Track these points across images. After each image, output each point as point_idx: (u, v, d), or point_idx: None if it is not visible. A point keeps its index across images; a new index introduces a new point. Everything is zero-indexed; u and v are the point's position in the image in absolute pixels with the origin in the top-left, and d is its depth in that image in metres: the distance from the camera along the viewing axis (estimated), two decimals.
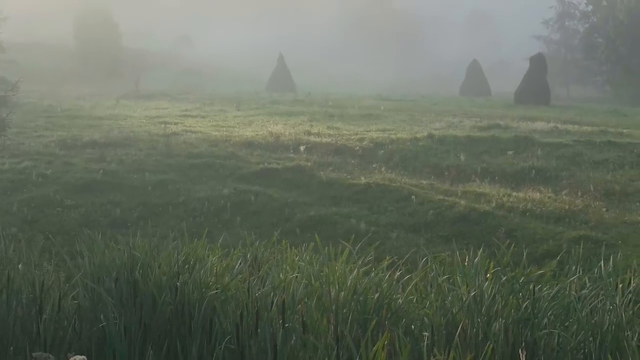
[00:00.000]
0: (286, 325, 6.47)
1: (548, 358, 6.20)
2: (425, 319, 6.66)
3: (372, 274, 7.08)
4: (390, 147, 22.99)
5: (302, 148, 22.29)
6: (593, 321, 6.32)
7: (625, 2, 72.71)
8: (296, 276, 7.13)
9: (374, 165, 20.55)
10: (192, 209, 16.27)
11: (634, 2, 71.87)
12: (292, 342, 6.45)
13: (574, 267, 7.22)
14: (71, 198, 16.69)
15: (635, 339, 6.15)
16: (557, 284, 6.88)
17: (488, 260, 6.89)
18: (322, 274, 7.06)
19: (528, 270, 6.86)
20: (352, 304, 6.66)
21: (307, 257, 7.69)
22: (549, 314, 6.43)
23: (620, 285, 6.58)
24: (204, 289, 7.17)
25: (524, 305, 6.43)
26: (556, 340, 6.30)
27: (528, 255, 7.83)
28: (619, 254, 8.18)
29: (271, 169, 19.49)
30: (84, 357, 6.15)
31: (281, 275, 7.21)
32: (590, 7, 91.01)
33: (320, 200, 17.06)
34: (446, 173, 19.59)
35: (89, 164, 19.59)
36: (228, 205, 16.34)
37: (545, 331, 6.29)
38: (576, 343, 6.27)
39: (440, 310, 6.59)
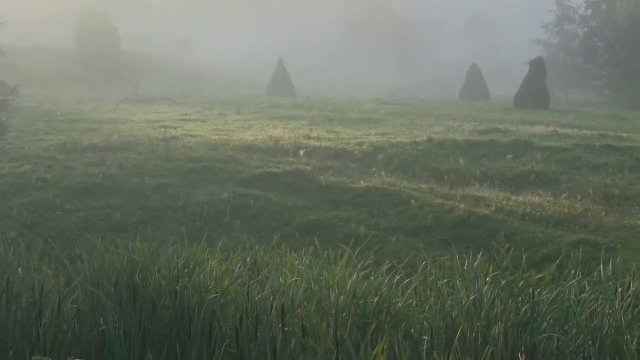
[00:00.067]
0: (286, 329, 6.47)
1: None
2: (425, 322, 6.66)
3: (372, 277, 7.08)
4: (389, 151, 23.01)
5: (301, 152, 22.30)
6: (592, 325, 6.32)
7: (625, 6, 72.82)
8: (296, 280, 7.13)
9: (373, 169, 20.56)
10: (192, 212, 16.26)
11: (633, 6, 71.98)
12: (292, 346, 6.45)
13: (573, 271, 7.22)
14: (71, 202, 16.69)
15: (634, 342, 6.15)
16: (556, 288, 6.88)
17: (487, 264, 6.90)
18: (321, 277, 7.06)
19: (527, 274, 6.86)
20: (352, 307, 6.67)
21: (307, 261, 7.69)
22: (548, 318, 6.43)
23: (620, 289, 6.57)
24: (203, 293, 7.17)
25: (523, 309, 6.43)
26: (555, 344, 6.30)
27: (527, 259, 7.82)
28: (618, 257, 8.19)
29: (271, 173, 19.49)
30: None
31: (281, 279, 7.20)
32: (589, 11, 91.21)
33: (319, 204, 17.06)
34: (445, 177, 19.60)
35: (88, 168, 19.60)
36: (227, 209, 16.34)
37: (544, 335, 6.29)
38: (575, 347, 6.27)
39: (439, 314, 6.59)
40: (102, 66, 75.45)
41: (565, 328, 6.49)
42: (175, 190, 17.74)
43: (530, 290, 6.52)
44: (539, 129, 29.06)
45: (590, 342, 6.23)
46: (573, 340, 6.29)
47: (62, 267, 9.08)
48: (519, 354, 6.10)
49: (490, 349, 5.79)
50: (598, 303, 6.62)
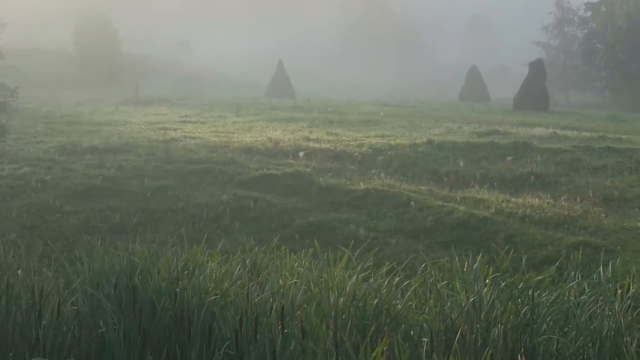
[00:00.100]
0: (285, 331, 6.47)
1: None
2: (425, 324, 6.66)
3: (371, 279, 7.07)
4: (389, 153, 23.01)
5: (301, 154, 22.30)
6: (592, 327, 6.31)
7: (624, 8, 72.90)
8: (295, 282, 7.13)
9: (373, 171, 20.56)
10: (192, 214, 16.26)
11: (632, 8, 72.06)
12: (291, 347, 6.45)
13: (573, 273, 7.22)
14: (70, 204, 16.68)
15: (634, 344, 6.15)
16: (556, 290, 6.88)
17: (487, 266, 6.90)
18: (321, 279, 7.06)
19: (527, 276, 6.86)
20: (351, 309, 6.66)
21: (306, 263, 7.69)
22: (548, 320, 6.43)
23: (619, 291, 6.57)
24: (203, 295, 7.17)
25: (523, 311, 6.43)
26: (555, 346, 6.30)
27: (527, 261, 7.83)
28: (618, 259, 8.19)
29: (270, 175, 19.49)
30: None
31: (280, 281, 7.20)
32: (589, 13, 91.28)
33: (319, 206, 17.06)
34: (445, 179, 19.60)
35: (88, 170, 19.59)
36: (227, 211, 16.34)
37: (544, 337, 6.29)
38: (575, 349, 6.27)
39: (439, 316, 6.59)
40: (102, 68, 75.53)
41: (564, 330, 6.49)
42: (175, 192, 17.74)
43: (530, 292, 6.52)
44: (538, 130, 29.07)
45: (590, 344, 6.23)
46: (573, 342, 6.29)
47: (62, 269, 9.08)
48: (519, 356, 6.10)
49: (490, 351, 5.79)
50: (598, 305, 6.62)
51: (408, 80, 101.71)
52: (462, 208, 15.99)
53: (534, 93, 51.32)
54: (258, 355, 6.49)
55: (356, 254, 7.46)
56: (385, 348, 5.42)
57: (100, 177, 18.74)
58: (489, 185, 18.77)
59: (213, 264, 7.80)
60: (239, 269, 7.92)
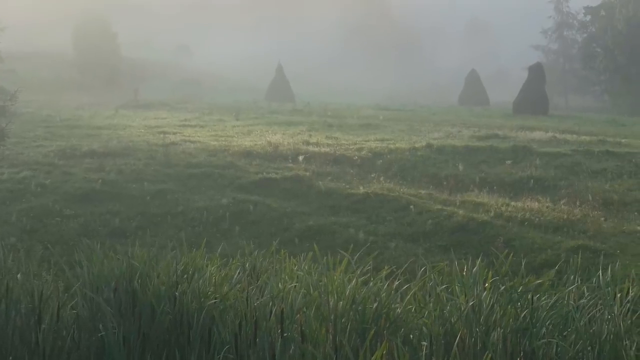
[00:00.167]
0: (285, 334, 6.47)
1: None
2: (424, 328, 6.66)
3: (371, 283, 7.08)
4: (388, 156, 23.02)
5: (300, 158, 22.30)
6: (591, 331, 6.32)
7: (624, 12, 73.01)
8: (295, 286, 7.13)
9: (372, 175, 20.56)
10: (191, 218, 16.25)
11: (632, 12, 72.16)
12: (291, 351, 6.45)
13: (572, 277, 7.22)
14: (70, 208, 16.68)
15: (633, 348, 6.16)
16: (555, 294, 6.88)
17: (486, 270, 6.90)
18: (320, 283, 7.07)
19: (526, 280, 6.86)
20: (351, 313, 6.67)
21: (306, 267, 7.69)
22: (547, 324, 6.43)
23: (619, 295, 6.58)
24: (202, 299, 7.17)
25: (522, 315, 6.43)
26: (554, 349, 6.30)
27: (526, 265, 7.83)
28: (617, 263, 8.19)
29: (270, 179, 19.49)
30: None
31: (280, 285, 7.21)
32: (588, 17, 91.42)
33: (318, 210, 17.06)
34: (445, 183, 19.61)
35: (87, 174, 19.59)
36: (227, 215, 16.34)
37: (543, 341, 6.30)
38: (574, 353, 6.27)
39: (438, 319, 6.59)
40: (102, 72, 75.61)
41: (564, 334, 6.49)
42: (175, 196, 17.73)
43: (529, 296, 6.52)
44: (538, 134, 29.11)
45: (589, 348, 6.23)
46: (572, 346, 6.29)
47: (62, 273, 9.06)
48: None
49: (490, 355, 5.80)
50: (597, 309, 6.63)
51: (407, 84, 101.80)
52: (461, 212, 15.99)
53: (534, 97, 51.39)
54: (258, 359, 6.49)
55: (355, 257, 7.46)
56: (384, 352, 5.43)
57: (100, 181, 18.74)
58: (489, 189, 18.77)
59: (212, 268, 7.80)
60: (239, 272, 7.92)
